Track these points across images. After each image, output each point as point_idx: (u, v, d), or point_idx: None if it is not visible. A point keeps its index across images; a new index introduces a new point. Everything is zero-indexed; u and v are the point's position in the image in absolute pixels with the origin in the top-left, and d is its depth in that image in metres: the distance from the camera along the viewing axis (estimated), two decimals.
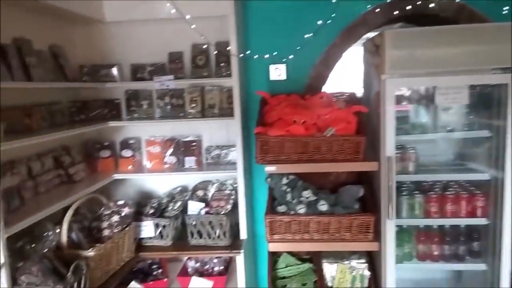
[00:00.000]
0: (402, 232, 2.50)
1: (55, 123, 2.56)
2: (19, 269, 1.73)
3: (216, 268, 2.71)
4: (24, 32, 2.27)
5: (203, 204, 2.64)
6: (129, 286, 2.48)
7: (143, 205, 2.81)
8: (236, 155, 2.67)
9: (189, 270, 2.70)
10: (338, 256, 2.56)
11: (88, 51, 2.91)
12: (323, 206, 2.43)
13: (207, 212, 2.63)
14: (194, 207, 2.64)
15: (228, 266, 2.75)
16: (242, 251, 2.54)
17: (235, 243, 2.63)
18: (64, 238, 2.06)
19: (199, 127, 2.96)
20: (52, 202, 2.12)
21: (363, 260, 2.54)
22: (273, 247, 2.41)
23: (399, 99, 2.44)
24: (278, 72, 2.86)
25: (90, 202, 2.44)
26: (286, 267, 2.66)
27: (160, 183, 3.04)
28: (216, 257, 2.75)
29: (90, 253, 2.07)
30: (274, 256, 2.64)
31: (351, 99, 2.67)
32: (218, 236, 2.60)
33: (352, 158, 2.31)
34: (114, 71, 2.88)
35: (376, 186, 2.42)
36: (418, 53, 2.19)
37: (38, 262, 1.79)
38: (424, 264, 2.52)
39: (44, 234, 2.02)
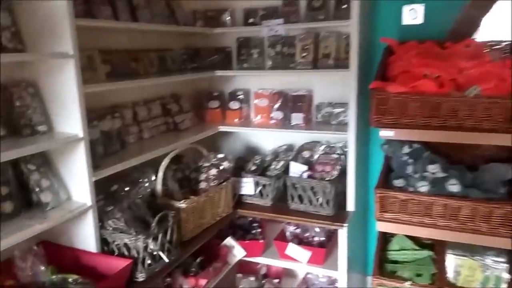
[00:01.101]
0: None
1: (164, 69, 2.52)
2: (108, 213, 1.73)
3: (316, 238, 2.44)
4: None
5: (305, 167, 2.36)
6: (224, 242, 2.41)
7: (246, 161, 2.67)
8: (349, 114, 2.28)
9: (287, 234, 2.50)
10: (468, 250, 2.05)
11: None
12: (453, 187, 1.92)
13: (310, 176, 2.34)
14: (296, 169, 2.38)
15: (331, 238, 2.46)
16: (346, 224, 2.21)
17: (339, 215, 2.31)
18: (158, 186, 2.02)
19: (310, 80, 2.63)
20: (152, 148, 2.09)
21: (502, 259, 1.98)
22: (382, 227, 2.02)
23: None
24: (413, 14, 2.30)
25: (194, 152, 2.38)
26: (400, 250, 2.25)
27: (265, 139, 2.85)
28: (319, 226, 2.48)
29: (182, 204, 2.00)
30: (386, 235, 2.26)
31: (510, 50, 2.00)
32: (320, 204, 2.31)
33: (502, 128, 1.73)
34: (227, 16, 2.70)
35: None
36: None
37: (125, 209, 1.77)
38: None
39: (140, 180, 2.00)
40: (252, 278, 2.71)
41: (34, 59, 1.63)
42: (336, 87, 2.54)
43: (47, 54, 1.56)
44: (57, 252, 1.75)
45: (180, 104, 2.61)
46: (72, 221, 1.70)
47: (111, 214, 1.72)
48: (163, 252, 1.80)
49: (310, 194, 2.33)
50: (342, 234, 2.23)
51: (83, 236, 1.72)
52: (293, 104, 2.61)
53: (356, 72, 2.19)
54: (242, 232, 2.64)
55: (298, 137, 2.69)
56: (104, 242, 1.75)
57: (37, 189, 1.57)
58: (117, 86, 1.95)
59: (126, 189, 1.92)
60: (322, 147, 2.48)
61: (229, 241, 2.42)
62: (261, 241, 2.47)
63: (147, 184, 2.02)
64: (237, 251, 2.41)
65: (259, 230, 2.62)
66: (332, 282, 2.56)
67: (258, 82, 2.78)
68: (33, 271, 1.53)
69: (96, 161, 1.79)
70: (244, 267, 2.68)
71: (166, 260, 1.79)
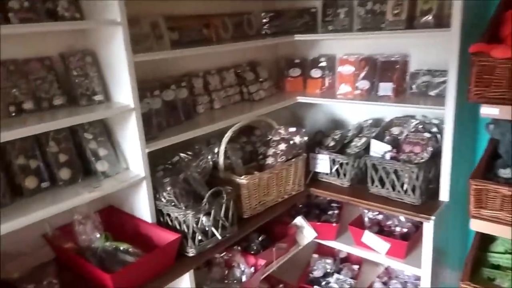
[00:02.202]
0: None
1: (240, 35, 2.38)
2: (164, 185, 1.71)
3: (399, 229, 2.12)
4: None
5: (388, 147, 2.03)
6: (294, 221, 2.25)
7: (325, 136, 2.42)
8: (449, 84, 1.86)
9: (366, 220, 2.22)
10: None
11: None
12: None
13: (393, 158, 2.02)
14: (377, 148, 2.07)
15: (419, 229, 2.12)
16: (433, 217, 1.86)
17: (428, 205, 1.96)
18: (221, 160, 1.94)
19: (405, 43, 2.22)
20: (217, 120, 2.00)
21: None
22: (477, 225, 1.64)
23: None
24: None
25: (266, 125, 2.24)
26: (505, 253, 1.84)
27: (349, 112, 2.55)
28: (401, 216, 2.15)
29: (243, 180, 1.89)
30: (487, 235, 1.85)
31: None
32: (405, 191, 1.98)
33: None
34: None
35: None
36: None
37: (179, 182, 1.72)
38: None
39: (203, 152, 1.94)
40: (329, 261, 2.52)
41: (82, 27, 1.63)
42: (437, 50, 2.10)
43: (95, 21, 1.54)
44: (119, 218, 1.81)
45: (256, 73, 2.46)
46: (130, 190, 1.72)
47: (165, 185, 1.69)
48: (216, 228, 1.73)
49: (394, 178, 2.01)
50: (428, 228, 1.89)
51: (140, 205, 1.74)
52: (381, 72, 2.25)
53: (458, 30, 1.75)
54: (318, 212, 2.45)
55: (388, 111, 2.34)
56: (161, 214, 1.75)
57: (93, 158, 1.61)
58: (173, 55, 1.85)
59: (188, 160, 1.87)
60: (413, 124, 2.11)
61: (299, 220, 2.25)
62: (335, 224, 2.24)
63: (209, 157, 1.94)
64: (308, 232, 2.24)
65: (336, 212, 2.39)
66: (419, 277, 2.24)
67: (344, 47, 2.47)
68: (89, 236, 1.59)
69: (154, 131, 1.76)
70: (323, 249, 2.50)
71: (219, 237, 1.72)
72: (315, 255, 2.55)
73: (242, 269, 1.89)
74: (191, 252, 1.66)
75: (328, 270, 2.50)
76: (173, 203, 1.68)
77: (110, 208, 1.87)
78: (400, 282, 2.33)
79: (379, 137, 2.18)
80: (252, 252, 2.01)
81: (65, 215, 1.51)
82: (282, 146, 2.11)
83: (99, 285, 1.45)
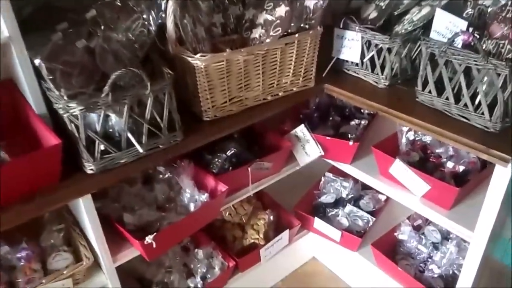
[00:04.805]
0: None
1: None
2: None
3: (451, 164, 1.31)
4: None
5: (464, 24, 1.13)
6: (292, 131, 1.53)
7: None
8: None
9: (402, 142, 1.43)
10: None
11: None
12: None
13: (467, 45, 1.13)
14: (444, 25, 1.18)
15: (481, 171, 1.32)
16: None
17: (509, 135, 1.13)
18: (169, 22, 1.17)
19: None
20: None
21: None
22: None
23: None
24: None
25: None
26: None
27: None
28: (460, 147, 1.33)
29: (197, 61, 1.15)
30: None
31: None
32: (477, 106, 1.14)
33: None
34: None
35: None
36: None
37: (68, 53, 1.02)
38: None
39: (138, 10, 1.19)
40: (347, 184, 1.82)
41: None
42: None
43: None
44: (13, 99, 1.20)
45: None
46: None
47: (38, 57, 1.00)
48: (138, 134, 1.07)
49: (462, 81, 1.16)
50: (500, 175, 1.09)
51: (24, 88, 1.09)
52: None
53: None
54: (339, 118, 1.69)
55: None
56: None
57: None
58: None
59: (109, 17, 1.14)
60: None
61: (301, 130, 1.53)
62: (352, 143, 1.48)
63: (152, 17, 1.19)
64: (311, 149, 1.53)
65: (365, 122, 1.62)
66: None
67: None
68: None
69: None
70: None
71: (140, 149, 1.07)
72: (329, 174, 1.86)
73: (190, 195, 1.27)
74: (88, 168, 1.05)
75: (344, 196, 1.83)
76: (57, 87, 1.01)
77: (9, 82, 1.26)
78: (440, 231, 1.62)
79: (455, 9, 1.26)
80: (214, 171, 1.36)
81: None
82: (281, 11, 1.28)
83: None
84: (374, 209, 1.79)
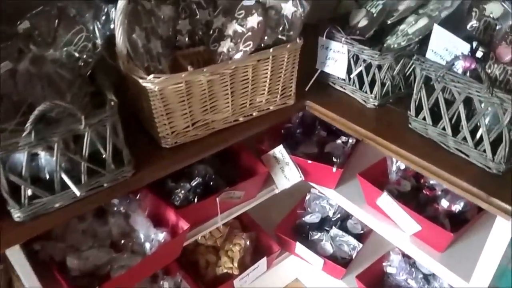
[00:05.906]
0: None
1: None
2: None
3: (445, 202, 1.15)
4: None
5: (466, 47, 0.94)
6: (272, 151, 1.36)
7: (358, 3, 1.32)
8: None
9: (392, 170, 1.27)
10: None
11: None
12: None
13: (467, 70, 0.95)
14: (443, 44, 0.98)
15: (478, 214, 1.15)
16: None
17: None
18: (118, 34, 0.99)
19: None
20: None
21: None
22: None
23: None
24: None
25: None
26: None
27: None
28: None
29: (148, 83, 0.97)
30: None
31: None
32: (478, 141, 0.96)
33: None
34: None
35: None
36: None
37: None
38: None
39: (84, 18, 1.00)
40: (334, 202, 1.67)
41: None
42: None
43: None
44: None
45: None
46: None
47: None
48: (76, 173, 0.91)
49: (461, 111, 0.98)
50: (501, 228, 0.92)
51: None
52: None
53: None
54: (325, 134, 1.52)
55: None
56: None
57: None
58: None
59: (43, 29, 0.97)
60: None
61: (279, 152, 1.36)
62: (335, 169, 1.30)
63: (98, 28, 1.01)
64: (290, 172, 1.36)
65: (353, 141, 1.44)
66: None
67: None
68: None
69: None
70: None
71: (77, 192, 0.91)
72: (315, 191, 1.70)
73: (144, 235, 1.12)
74: (15, 216, 0.89)
75: (330, 215, 1.68)
76: None
77: None
78: None
79: (458, 21, 1.08)
80: (176, 204, 1.19)
81: None
82: (253, 21, 1.09)
83: None
84: (362, 231, 1.64)
